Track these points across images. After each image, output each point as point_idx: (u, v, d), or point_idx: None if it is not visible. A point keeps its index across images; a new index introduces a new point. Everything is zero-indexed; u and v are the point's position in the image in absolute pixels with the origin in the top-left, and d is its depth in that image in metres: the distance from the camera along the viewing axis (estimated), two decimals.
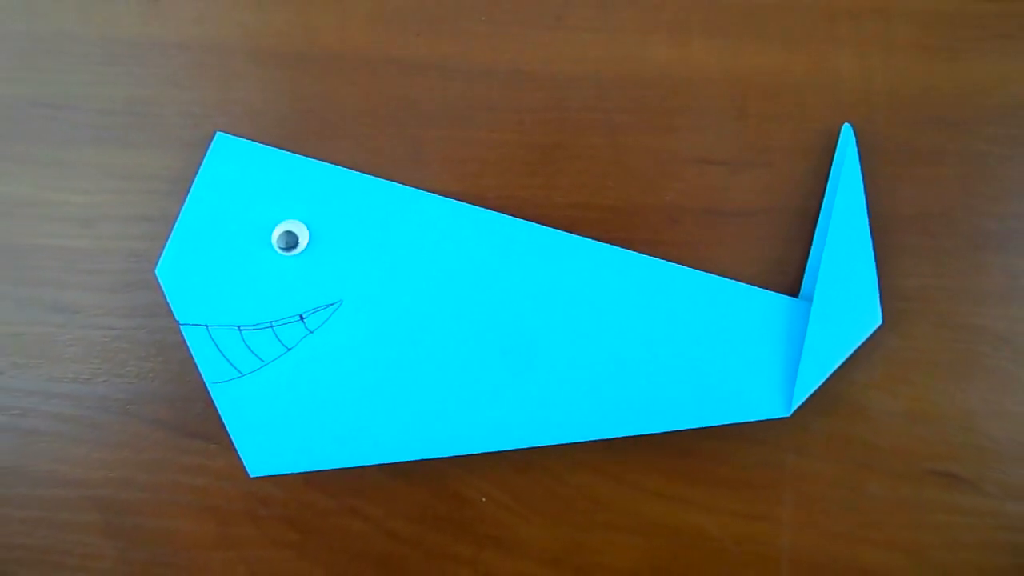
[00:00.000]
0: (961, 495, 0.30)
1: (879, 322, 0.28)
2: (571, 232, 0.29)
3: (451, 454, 0.27)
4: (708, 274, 0.28)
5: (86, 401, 0.30)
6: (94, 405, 0.30)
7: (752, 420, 0.28)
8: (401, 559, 0.30)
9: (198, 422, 0.30)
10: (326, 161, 0.29)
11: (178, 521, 0.31)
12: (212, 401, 0.29)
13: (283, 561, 0.30)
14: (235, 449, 0.29)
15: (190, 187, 0.28)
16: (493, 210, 0.29)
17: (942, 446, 0.30)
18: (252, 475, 0.27)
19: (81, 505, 0.30)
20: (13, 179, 0.30)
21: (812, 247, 0.29)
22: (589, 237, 0.29)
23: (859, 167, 0.28)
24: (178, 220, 0.27)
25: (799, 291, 0.29)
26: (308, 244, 0.27)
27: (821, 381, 0.28)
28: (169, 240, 0.27)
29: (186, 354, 0.30)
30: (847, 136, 0.29)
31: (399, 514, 0.30)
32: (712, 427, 0.29)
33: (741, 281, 0.29)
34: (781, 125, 0.29)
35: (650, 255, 0.29)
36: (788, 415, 0.28)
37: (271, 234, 0.27)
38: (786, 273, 0.30)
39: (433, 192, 0.29)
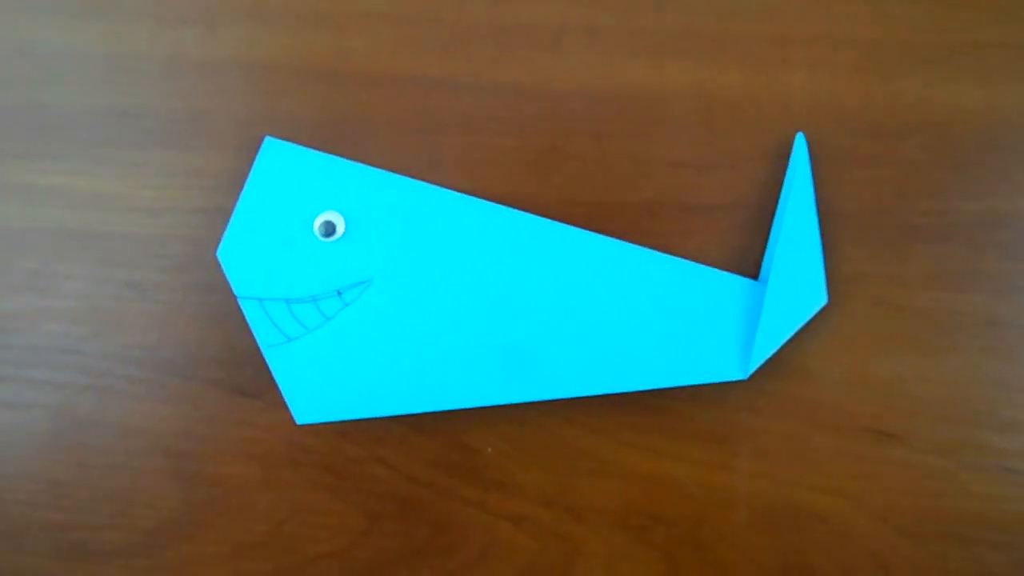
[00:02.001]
0: (892, 449, 0.31)
1: (825, 301, 0.30)
2: (563, 223, 0.30)
3: (461, 406, 0.29)
4: (679, 259, 0.30)
5: (153, 365, 0.32)
6: (160, 368, 0.32)
7: (715, 382, 0.30)
8: (419, 500, 0.32)
9: (247, 383, 0.32)
10: (358, 162, 0.30)
11: (231, 467, 0.32)
12: (261, 364, 0.31)
13: (319, 501, 0.32)
14: (281, 404, 0.31)
15: (243, 184, 0.30)
16: (498, 204, 0.31)
17: (876, 406, 0.31)
18: (299, 423, 0.29)
19: (151, 453, 0.32)
20: (94, 176, 0.32)
21: (769, 237, 0.31)
22: (579, 227, 0.30)
23: (809, 169, 0.30)
24: (235, 210, 0.29)
25: (758, 275, 0.31)
26: (344, 232, 0.29)
27: (774, 350, 0.30)
28: (228, 227, 0.29)
29: (237, 325, 0.32)
30: (800, 143, 0.31)
31: (417, 461, 0.32)
32: (682, 389, 0.31)
33: (708, 265, 0.31)
34: (742, 133, 0.31)
35: (630, 242, 0.31)
36: (745, 378, 0.30)
37: (313, 223, 0.29)
38: (746, 259, 0.31)
39: (448, 188, 0.30)
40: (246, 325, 0.31)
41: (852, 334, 0.31)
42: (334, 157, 0.30)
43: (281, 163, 0.30)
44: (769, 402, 0.32)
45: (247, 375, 0.32)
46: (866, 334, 0.31)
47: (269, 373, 0.31)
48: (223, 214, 0.31)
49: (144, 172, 0.32)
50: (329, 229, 0.30)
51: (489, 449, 0.32)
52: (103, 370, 0.32)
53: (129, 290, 0.32)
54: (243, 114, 0.32)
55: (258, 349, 0.31)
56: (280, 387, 0.29)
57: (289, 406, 0.29)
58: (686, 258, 0.31)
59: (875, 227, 0.31)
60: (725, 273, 0.30)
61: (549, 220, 0.30)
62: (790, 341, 0.30)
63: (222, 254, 0.29)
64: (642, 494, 0.32)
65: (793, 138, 0.31)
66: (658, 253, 0.30)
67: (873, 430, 0.31)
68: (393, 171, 0.31)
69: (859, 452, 0.31)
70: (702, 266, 0.30)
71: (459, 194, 0.30)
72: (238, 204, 0.30)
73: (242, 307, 0.29)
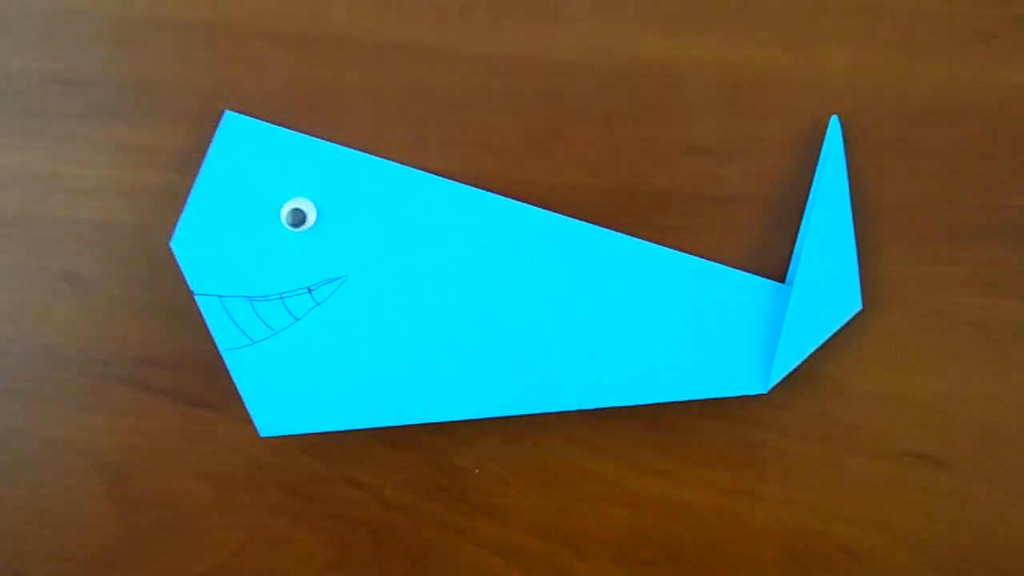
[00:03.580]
0: (935, 475, 0.34)
1: (859, 307, 0.32)
2: (565, 214, 0.33)
3: (446, 419, 0.32)
4: (695, 257, 0.33)
5: (92, 369, 0.34)
6: (100, 373, 0.34)
7: (731, 395, 0.32)
8: (396, 527, 0.35)
9: (201, 392, 0.34)
10: (332, 142, 0.33)
11: (179, 487, 0.35)
12: (217, 370, 0.34)
13: (281, 527, 0.35)
14: (239, 416, 0.34)
15: (199, 164, 0.32)
16: (491, 192, 0.33)
17: (918, 428, 0.34)
18: (263, 435, 0.32)
19: (87, 470, 0.35)
20: (28, 152, 0.34)
21: (798, 234, 0.34)
22: (581, 219, 0.33)
23: (843, 158, 0.33)
24: (191, 194, 0.32)
25: (784, 277, 0.34)
26: (315, 221, 0.32)
27: (799, 361, 0.32)
28: (183, 213, 0.32)
29: (191, 326, 0.34)
30: (834, 128, 0.33)
31: (394, 483, 0.35)
32: (697, 405, 0.34)
33: (727, 265, 0.33)
34: (769, 116, 0.34)
35: (640, 238, 0.33)
36: (765, 392, 0.32)
37: (280, 211, 0.32)
38: (771, 259, 0.34)
39: (435, 173, 0.33)
40: (202, 326, 0.33)
41: (891, 345, 0.34)
42: (305, 136, 0.33)
43: (244, 141, 0.32)
44: (797, 421, 0.34)
45: (201, 383, 0.34)
46: (907, 345, 0.34)
47: (226, 381, 0.33)
48: (177, 198, 0.33)
49: (85, 148, 0.34)
50: (299, 218, 0.32)
51: (477, 470, 0.35)
52: (33, 375, 0.34)
53: (65, 283, 0.34)
54: (201, 84, 0.34)
55: (215, 353, 0.33)
56: (242, 396, 0.32)
57: (252, 417, 0.32)
58: (703, 257, 0.33)
59: (919, 224, 0.34)
60: (747, 274, 0.33)
61: (549, 211, 0.33)
62: (821, 353, 0.33)
63: (176, 244, 0.32)
64: (651, 523, 0.35)
65: (827, 122, 0.33)
66: (671, 250, 0.33)
67: (914, 454, 0.34)
68: (373, 152, 0.33)
69: (897, 479, 0.34)
70: (721, 266, 0.33)
71: (447, 180, 0.33)
72: (194, 187, 0.32)
73: (199, 305, 0.31)
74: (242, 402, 0.33)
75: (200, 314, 0.32)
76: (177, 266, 0.32)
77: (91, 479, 0.35)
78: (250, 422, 0.33)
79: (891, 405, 0.34)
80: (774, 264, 0.34)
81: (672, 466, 0.35)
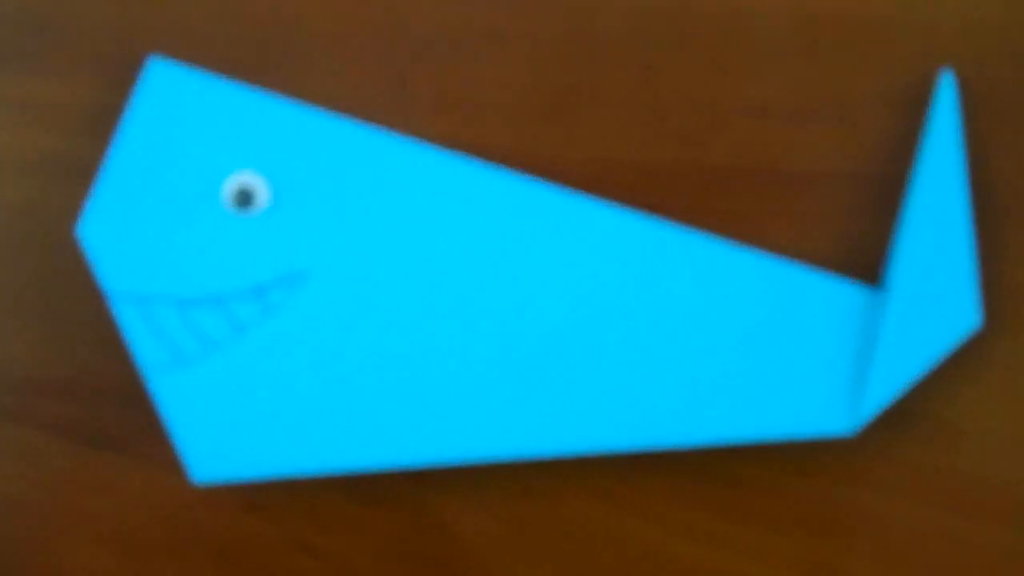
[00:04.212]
0: None
1: (978, 324, 0.36)
2: (592, 194, 0.37)
3: (433, 464, 0.36)
4: (762, 253, 0.37)
5: None
6: None
7: (808, 438, 0.36)
8: None
9: (108, 427, 0.39)
10: (289, 97, 0.37)
11: (75, 557, 0.39)
12: (130, 399, 0.38)
13: None
14: (158, 460, 0.38)
15: (111, 125, 0.36)
16: (496, 165, 0.37)
17: None
18: (196, 481, 0.35)
19: None
20: None
21: (897, 225, 0.37)
22: (614, 201, 0.37)
23: (959, 125, 0.36)
24: (104, 168, 0.36)
25: (878, 280, 0.37)
26: (268, 202, 0.36)
27: (896, 393, 0.36)
28: (93, 191, 0.35)
29: (96, 339, 0.38)
30: (948, 84, 0.36)
31: (364, 550, 0.38)
32: (764, 452, 0.37)
33: (804, 263, 0.37)
34: (861, 70, 0.37)
35: (690, 227, 0.37)
36: (852, 434, 0.36)
37: (221, 188, 0.36)
38: (865, 256, 0.37)
39: (422, 140, 0.37)
40: (113, 339, 0.37)
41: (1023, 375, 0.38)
42: (253, 89, 0.37)
43: (174, 96, 0.36)
44: (900, 474, 0.38)
45: (108, 416, 0.39)
46: None
47: (142, 413, 0.38)
48: (84, 170, 0.37)
49: None
50: (245, 197, 0.36)
51: (473, 531, 0.39)
52: None
53: None
54: (115, 21, 0.38)
55: (129, 376, 0.37)
56: (169, 429, 0.35)
57: (182, 457, 0.35)
58: (772, 252, 0.37)
59: None
60: (830, 276, 0.37)
61: (570, 191, 0.37)
62: (934, 385, 0.37)
63: (84, 231, 0.35)
64: None
65: (936, 78, 0.37)
66: (730, 244, 0.37)
67: None
68: (341, 113, 0.37)
69: None
70: (796, 265, 0.37)
71: (437, 149, 0.37)
72: (108, 157, 0.36)
73: (113, 311, 0.35)
74: (162, 442, 0.37)
75: (111, 325, 0.37)
76: (80, 260, 0.36)
77: None
78: (172, 468, 0.37)
79: (1022, 455, 0.38)
80: (867, 263, 0.38)
81: (730, 530, 0.38)
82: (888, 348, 0.36)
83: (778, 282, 0.37)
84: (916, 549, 0.38)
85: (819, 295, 0.37)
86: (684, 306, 0.37)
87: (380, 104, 0.38)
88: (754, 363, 0.36)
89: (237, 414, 0.36)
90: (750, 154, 0.38)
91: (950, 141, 0.37)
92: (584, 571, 0.39)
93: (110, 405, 0.39)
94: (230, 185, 0.36)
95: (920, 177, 0.37)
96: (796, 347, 0.37)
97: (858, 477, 0.38)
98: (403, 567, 0.39)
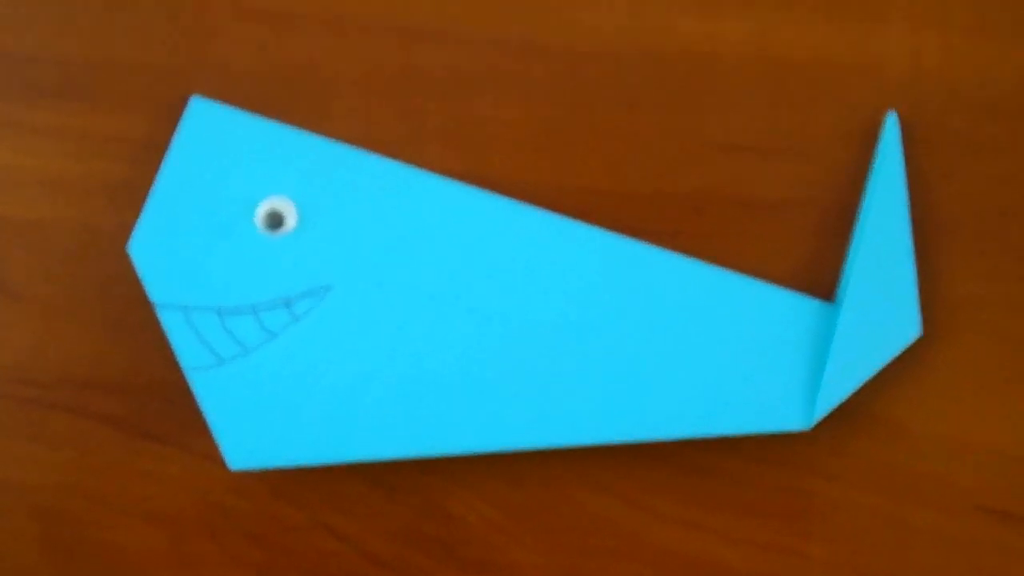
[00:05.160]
0: (1015, 536, 0.41)
1: (918, 332, 0.40)
2: (582, 220, 0.40)
3: (441, 453, 0.40)
4: (732, 272, 0.41)
5: (26, 393, 0.42)
6: (35, 398, 0.42)
7: (769, 431, 0.40)
8: None
9: (155, 421, 0.42)
10: (316, 133, 0.41)
11: (127, 534, 0.43)
12: (173, 397, 0.42)
13: None
14: (198, 452, 0.42)
15: (159, 156, 0.40)
16: (498, 193, 0.41)
17: (992, 478, 0.41)
18: (232, 468, 0.39)
19: (16, 512, 0.43)
20: None
21: (849, 247, 0.41)
22: (601, 225, 0.40)
23: (902, 159, 0.40)
24: (152, 191, 0.40)
25: (833, 295, 0.41)
26: (295, 224, 0.40)
27: (847, 394, 0.40)
28: (143, 213, 0.40)
29: (144, 343, 0.42)
30: (891, 124, 0.41)
31: (378, 532, 0.42)
32: (733, 445, 0.41)
33: (769, 281, 0.41)
34: (820, 110, 0.42)
35: (667, 248, 0.41)
36: (808, 428, 0.40)
37: (255, 211, 0.40)
38: (821, 274, 0.42)
39: (433, 171, 0.41)
40: (158, 343, 0.41)
41: (961, 378, 0.42)
42: (284, 126, 0.41)
43: (213, 130, 0.40)
44: (850, 467, 0.42)
45: (155, 411, 0.42)
46: (981, 379, 0.42)
47: (184, 409, 0.41)
48: (134, 195, 0.41)
49: (27, 135, 0.42)
50: (276, 220, 0.40)
51: (474, 518, 0.42)
52: None
53: None
54: (163, 64, 0.42)
55: (172, 376, 0.40)
56: (209, 422, 0.39)
57: (221, 447, 0.39)
58: (739, 271, 0.41)
59: (995, 236, 0.41)
60: (788, 292, 0.41)
61: (562, 216, 0.41)
62: (879, 387, 0.41)
63: (134, 248, 0.40)
64: None
65: (883, 116, 0.41)
66: (702, 263, 0.41)
67: (989, 509, 0.42)
68: (362, 146, 0.41)
69: (968, 538, 0.42)
70: (759, 282, 0.41)
71: (446, 179, 0.41)
72: (157, 182, 0.40)
73: (160, 318, 0.39)
74: (202, 434, 0.41)
75: (156, 330, 0.40)
76: (130, 274, 0.40)
77: (21, 523, 0.43)
78: (210, 458, 0.41)
79: (961, 450, 0.41)
80: (823, 280, 0.42)
81: (704, 516, 0.42)
82: (840, 354, 0.40)
83: (745, 297, 0.41)
84: (864, 533, 0.42)
85: (780, 308, 0.41)
86: (662, 317, 0.41)
87: (395, 138, 0.42)
88: (724, 366, 0.41)
89: (268, 409, 0.40)
90: (721, 184, 0.42)
91: (895, 174, 0.41)
92: (574, 552, 0.42)
93: (156, 401, 0.43)
94: (262, 209, 0.40)
95: (868, 205, 0.41)
96: (760, 353, 0.41)
97: (814, 468, 0.42)
98: (411, 548, 0.43)
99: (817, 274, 0.42)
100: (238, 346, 0.40)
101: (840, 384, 0.40)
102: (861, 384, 0.40)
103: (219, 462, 0.40)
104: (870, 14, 0.42)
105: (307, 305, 0.40)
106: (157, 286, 0.40)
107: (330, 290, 0.41)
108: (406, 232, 0.41)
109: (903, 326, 0.41)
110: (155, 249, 0.40)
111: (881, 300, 0.41)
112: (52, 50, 0.43)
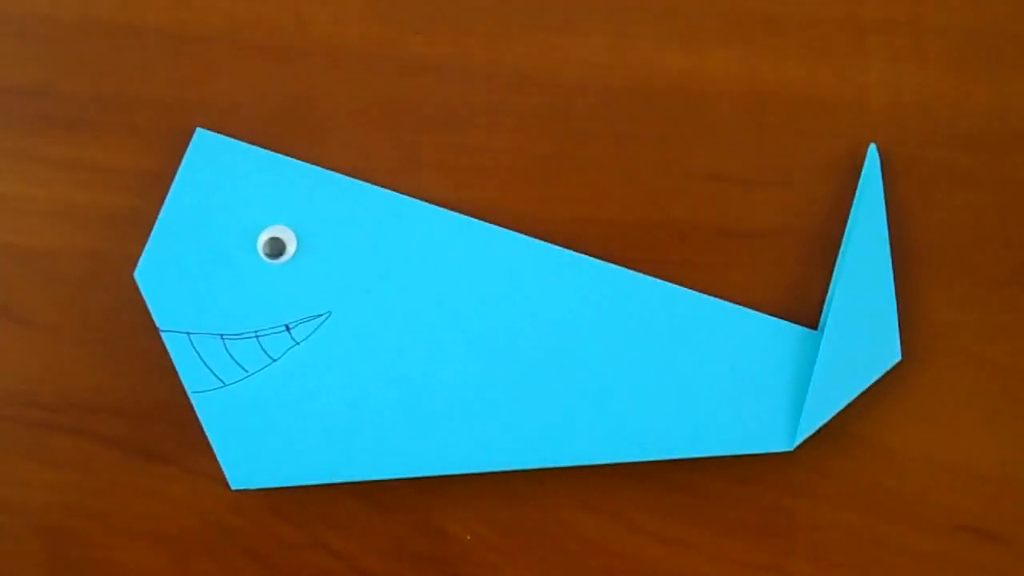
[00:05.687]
0: (993, 554, 0.43)
1: (897, 357, 0.41)
2: (572, 248, 0.42)
3: (437, 473, 0.41)
4: (717, 299, 0.42)
5: (32, 415, 0.43)
6: (42, 420, 0.43)
7: (753, 452, 0.41)
8: None
9: (157, 443, 0.43)
10: (315, 164, 0.42)
11: (128, 554, 0.43)
12: (174, 418, 0.43)
13: None
14: (198, 472, 0.43)
15: (164, 186, 0.41)
16: (490, 222, 0.42)
17: (969, 497, 0.43)
18: (233, 487, 0.40)
19: (21, 532, 0.44)
20: None
21: (832, 275, 0.42)
22: (591, 254, 0.42)
23: (881, 190, 0.42)
24: (158, 220, 0.41)
25: (816, 323, 0.42)
26: (295, 252, 0.41)
27: (828, 416, 0.41)
28: (149, 241, 0.41)
29: (147, 367, 0.43)
30: (872, 156, 0.42)
31: (374, 549, 0.43)
32: (718, 465, 0.42)
33: (753, 308, 0.42)
34: (802, 142, 0.43)
35: (655, 276, 0.42)
36: (791, 449, 0.41)
37: (256, 240, 0.41)
38: (804, 302, 0.43)
39: (428, 201, 0.42)
40: (161, 367, 0.42)
41: (938, 401, 0.43)
42: (285, 157, 0.42)
43: (217, 161, 0.42)
44: (831, 486, 0.43)
45: (157, 433, 0.43)
46: (959, 402, 0.43)
47: (186, 430, 0.42)
48: (141, 223, 0.42)
49: (36, 167, 0.44)
50: (277, 248, 0.41)
51: (468, 536, 0.43)
52: None
53: (6, 318, 0.43)
54: (169, 97, 0.43)
55: (175, 399, 0.42)
56: (212, 443, 0.41)
57: (223, 467, 0.41)
58: (725, 298, 0.43)
59: (969, 264, 0.43)
60: (772, 319, 0.42)
61: (553, 245, 0.42)
62: (859, 410, 0.42)
63: (141, 275, 0.41)
64: None
65: (865, 149, 0.43)
66: (688, 291, 0.42)
67: (968, 528, 0.43)
68: (359, 176, 0.42)
69: (946, 556, 0.43)
70: (745, 309, 0.42)
71: (441, 209, 0.42)
72: (162, 211, 0.41)
73: (166, 343, 0.41)
74: (203, 455, 0.42)
75: (160, 355, 0.41)
76: (135, 300, 0.41)
77: (26, 544, 0.44)
78: (211, 478, 0.43)
79: (939, 470, 0.43)
80: (806, 308, 0.43)
81: (690, 534, 0.43)
82: (822, 378, 0.42)
83: (731, 323, 0.42)
84: (845, 551, 0.43)
85: (765, 334, 0.42)
86: (651, 342, 0.42)
87: (391, 169, 0.43)
88: (710, 389, 0.42)
89: (269, 430, 0.41)
90: (707, 214, 0.44)
91: (875, 204, 0.42)
92: (564, 569, 0.43)
93: (159, 423, 0.44)
94: (263, 237, 0.41)
95: (850, 235, 0.42)
96: (745, 377, 0.42)
97: (797, 488, 0.43)
98: (406, 565, 0.44)
99: (801, 301, 0.44)
100: (240, 370, 0.41)
101: (822, 407, 0.42)
102: (843, 407, 0.42)
103: (220, 482, 0.42)
104: (851, 50, 0.44)
105: (307, 330, 0.42)
106: (163, 312, 0.41)
107: (328, 316, 0.42)
108: (402, 259, 0.42)
109: (883, 351, 0.42)
110: (161, 276, 0.41)
111: (862, 326, 0.42)
112: (61, 84, 0.44)
